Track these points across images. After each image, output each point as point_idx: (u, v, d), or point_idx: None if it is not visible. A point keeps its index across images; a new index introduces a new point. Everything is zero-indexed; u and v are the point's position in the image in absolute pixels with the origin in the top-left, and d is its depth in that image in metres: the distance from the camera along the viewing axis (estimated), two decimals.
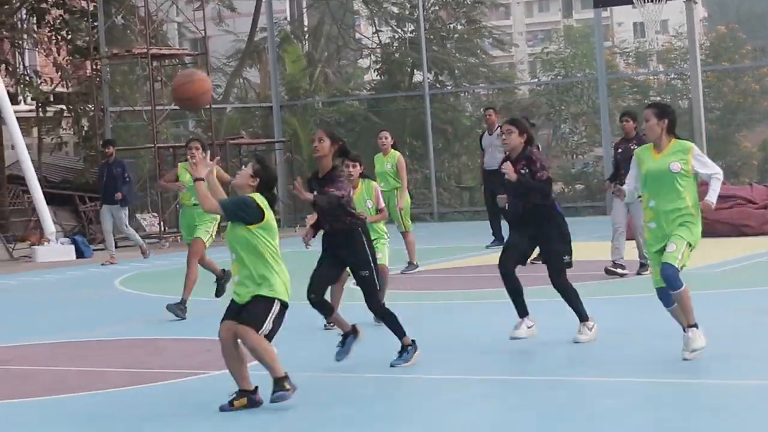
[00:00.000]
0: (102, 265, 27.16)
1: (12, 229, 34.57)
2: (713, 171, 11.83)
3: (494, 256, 20.40)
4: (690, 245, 11.78)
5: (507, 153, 13.80)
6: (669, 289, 11.75)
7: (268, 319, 10.68)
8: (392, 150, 21.96)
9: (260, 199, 10.82)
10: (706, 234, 23.84)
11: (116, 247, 29.39)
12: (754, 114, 39.78)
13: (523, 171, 13.36)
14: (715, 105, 38.68)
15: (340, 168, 13.18)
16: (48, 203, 31.33)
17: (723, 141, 38.15)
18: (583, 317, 13.59)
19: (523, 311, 13.55)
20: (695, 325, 11.72)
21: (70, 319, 18.85)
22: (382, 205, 16.04)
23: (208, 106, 35.99)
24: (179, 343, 15.43)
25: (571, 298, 13.60)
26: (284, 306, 10.91)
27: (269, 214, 10.85)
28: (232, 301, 10.91)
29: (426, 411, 10.97)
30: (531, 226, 13.53)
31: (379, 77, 44.07)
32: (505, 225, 22.65)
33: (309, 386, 11.86)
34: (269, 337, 10.80)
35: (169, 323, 17.08)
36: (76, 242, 30.53)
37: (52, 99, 38.65)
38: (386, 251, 16.23)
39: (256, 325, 10.63)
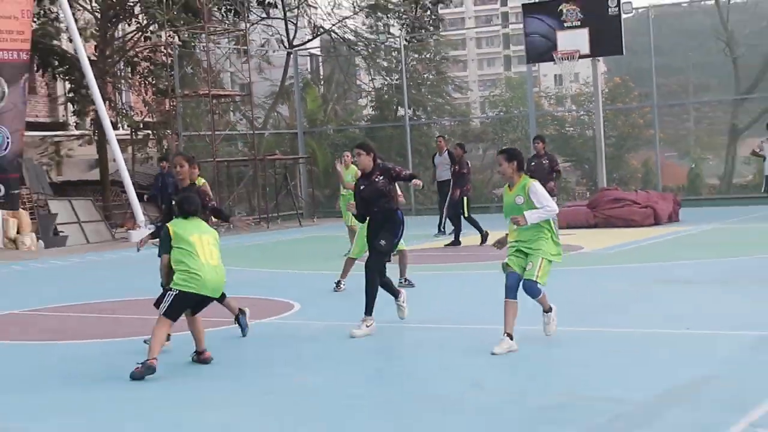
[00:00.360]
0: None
1: (113, 219, 34.72)
2: (542, 205, 10.50)
3: (466, 238, 20.61)
4: (547, 260, 10.64)
5: (361, 172, 12.44)
6: (531, 296, 10.68)
7: (163, 303, 10.38)
8: (352, 165, 20.22)
9: (171, 225, 10.63)
10: (605, 225, 23.96)
11: None
12: (639, 141, 39.89)
13: (377, 179, 12.09)
14: (612, 134, 38.79)
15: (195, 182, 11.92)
16: (139, 200, 31.43)
17: (617, 159, 38.34)
18: (367, 311, 11.78)
19: (370, 310, 11.80)
20: (551, 309, 10.89)
21: (155, 282, 18.91)
22: None
23: (253, 132, 36.23)
24: (230, 300, 15.47)
25: (369, 286, 11.79)
26: (184, 293, 10.32)
27: (175, 230, 10.50)
28: None
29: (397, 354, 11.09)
30: (377, 226, 12.12)
31: (373, 112, 44.12)
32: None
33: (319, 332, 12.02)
34: (170, 316, 10.37)
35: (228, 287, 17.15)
36: (158, 228, 30.61)
37: (141, 126, 38.75)
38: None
39: (158, 307, 10.55)
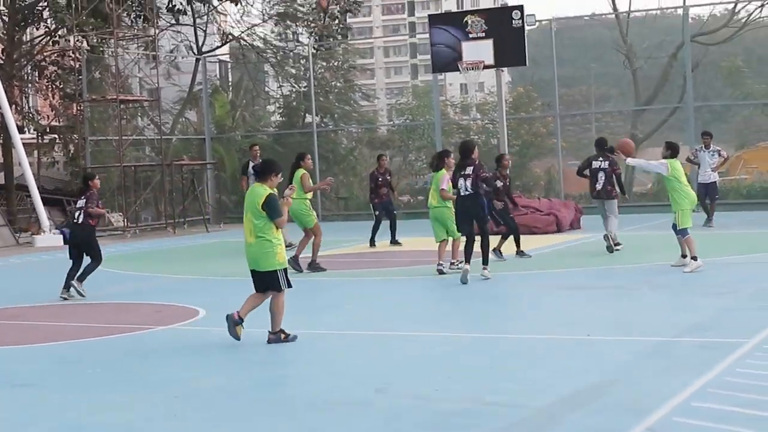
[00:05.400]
0: None
1: (18, 223, 34.16)
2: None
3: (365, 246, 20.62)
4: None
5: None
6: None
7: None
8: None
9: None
10: (508, 232, 23.88)
11: None
12: (542, 149, 40.23)
13: None
14: (516, 142, 39.03)
15: None
16: (44, 204, 31.05)
17: (521, 167, 38.55)
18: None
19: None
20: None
21: (60, 288, 18.68)
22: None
23: (161, 137, 36.00)
24: (136, 306, 15.40)
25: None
26: None
27: None
28: None
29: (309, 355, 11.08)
30: None
31: (281, 118, 43.99)
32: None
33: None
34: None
35: (129, 292, 17.00)
36: (63, 233, 30.17)
37: (48, 130, 38.25)
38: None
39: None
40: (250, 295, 11.57)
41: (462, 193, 16.33)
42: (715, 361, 9.50)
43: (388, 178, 24.73)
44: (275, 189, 11.51)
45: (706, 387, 8.53)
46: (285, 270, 11.46)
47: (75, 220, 17.01)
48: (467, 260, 16.13)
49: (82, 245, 16.83)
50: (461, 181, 16.26)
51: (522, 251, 19.81)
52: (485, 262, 16.42)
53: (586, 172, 20.72)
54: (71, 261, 16.79)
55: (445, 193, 17.25)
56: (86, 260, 16.72)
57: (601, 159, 20.23)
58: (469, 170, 16.23)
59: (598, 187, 20.29)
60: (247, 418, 8.33)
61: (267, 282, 11.46)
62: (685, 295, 14.26)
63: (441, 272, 17.47)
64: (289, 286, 11.48)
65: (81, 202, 16.98)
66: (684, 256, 16.82)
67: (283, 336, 11.46)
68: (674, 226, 16.89)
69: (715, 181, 25.52)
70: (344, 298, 15.45)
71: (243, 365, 10.51)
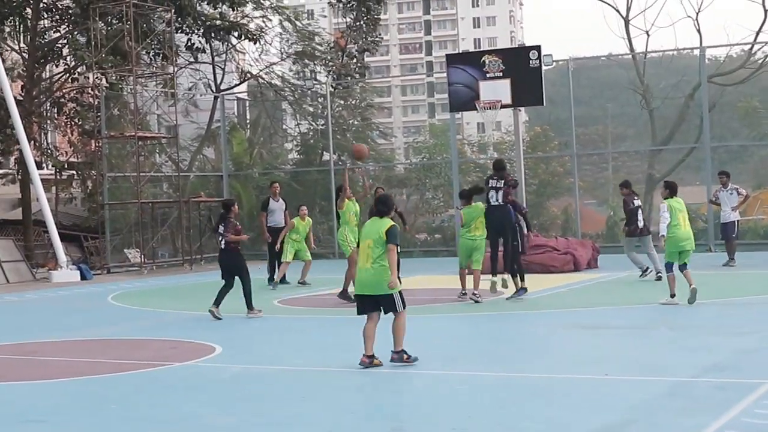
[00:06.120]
0: None
1: (35, 258, 34.18)
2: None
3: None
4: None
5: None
6: None
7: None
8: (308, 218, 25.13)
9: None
10: (525, 271, 23.98)
11: (109, 272, 29.35)
12: (559, 188, 40.17)
13: None
14: (533, 181, 38.94)
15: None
16: (61, 240, 31.07)
17: (538, 206, 38.49)
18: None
19: None
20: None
21: (76, 324, 18.71)
22: None
23: (178, 174, 36.08)
24: (152, 342, 15.38)
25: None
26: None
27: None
28: None
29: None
30: None
31: (298, 156, 44.00)
32: None
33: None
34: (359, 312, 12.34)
35: (145, 328, 16.98)
36: (80, 269, 30.24)
37: (66, 166, 38.35)
38: None
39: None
40: (363, 332, 12.11)
41: (492, 203, 18.16)
42: (733, 401, 9.42)
43: None
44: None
45: (724, 428, 8.45)
46: (400, 292, 12.00)
47: (219, 246, 18.08)
48: (493, 272, 18.25)
49: (232, 269, 17.88)
50: (492, 193, 18.13)
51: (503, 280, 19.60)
52: (509, 272, 18.41)
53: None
54: (224, 281, 17.92)
55: None
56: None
57: (635, 197, 21.52)
58: (501, 183, 18.13)
59: (641, 225, 21.74)
60: None
61: (384, 305, 12.02)
62: (703, 335, 14.16)
63: (462, 298, 18.79)
64: (404, 306, 12.04)
65: (221, 228, 17.99)
66: (690, 285, 16.94)
67: (405, 357, 12.00)
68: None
69: (733, 221, 25.43)
70: (357, 335, 15.37)
71: (258, 402, 10.44)
